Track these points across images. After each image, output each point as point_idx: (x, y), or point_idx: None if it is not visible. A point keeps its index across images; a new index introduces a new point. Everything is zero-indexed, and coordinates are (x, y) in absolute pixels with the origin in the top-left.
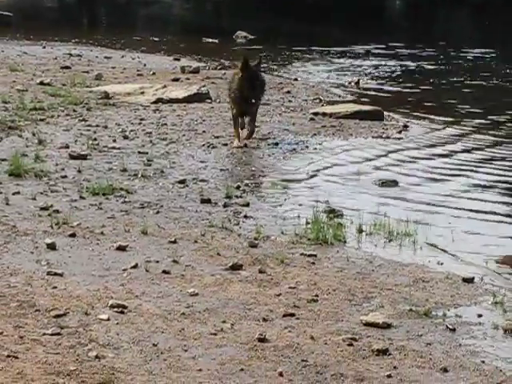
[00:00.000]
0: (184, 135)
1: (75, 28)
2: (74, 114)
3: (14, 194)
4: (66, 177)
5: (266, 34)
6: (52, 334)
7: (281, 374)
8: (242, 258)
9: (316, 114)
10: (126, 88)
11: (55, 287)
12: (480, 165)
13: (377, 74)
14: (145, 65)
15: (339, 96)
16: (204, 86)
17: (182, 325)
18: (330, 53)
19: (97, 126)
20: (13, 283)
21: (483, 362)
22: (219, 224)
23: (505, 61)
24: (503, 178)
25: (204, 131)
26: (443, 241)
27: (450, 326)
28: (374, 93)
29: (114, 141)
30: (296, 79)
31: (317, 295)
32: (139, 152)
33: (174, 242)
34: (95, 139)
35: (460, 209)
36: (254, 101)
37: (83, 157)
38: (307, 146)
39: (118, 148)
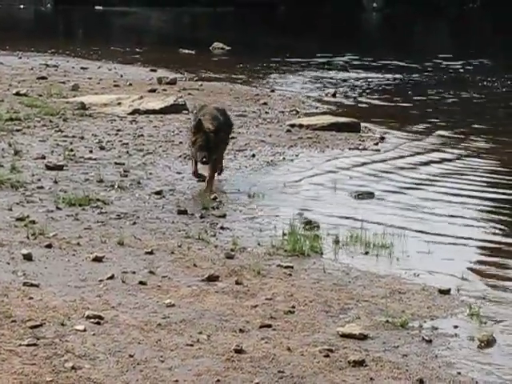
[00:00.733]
0: (161, 146)
1: (51, 38)
2: (50, 124)
3: None
4: (42, 187)
5: (243, 45)
6: (28, 345)
7: None
8: (218, 269)
9: (293, 125)
10: (102, 99)
11: (31, 298)
12: (456, 175)
13: (354, 85)
14: (121, 76)
15: (316, 108)
16: (181, 97)
17: (158, 336)
18: (307, 64)
19: (73, 136)
20: None
21: (459, 373)
22: (196, 235)
23: (479, 72)
24: (479, 188)
25: (181, 142)
26: (419, 252)
27: (427, 338)
28: (350, 104)
29: (91, 151)
30: (273, 91)
31: (293, 306)
32: (116, 163)
33: (151, 252)
34: (72, 150)
35: (436, 220)
36: (210, 159)
37: (59, 167)
38: (284, 158)
39: (95, 159)
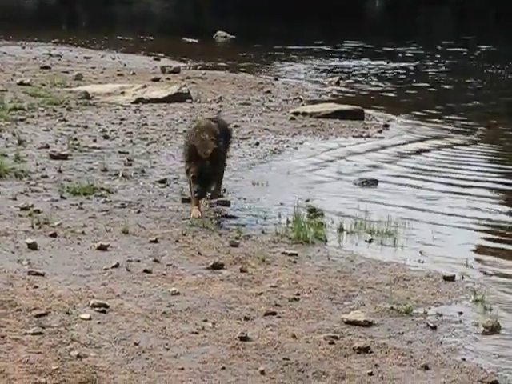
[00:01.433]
0: (165, 135)
1: (55, 28)
2: (54, 114)
3: None
4: (46, 177)
5: (247, 34)
6: (34, 334)
7: (262, 373)
8: (223, 257)
9: (296, 113)
10: (106, 88)
11: (36, 287)
12: (461, 163)
13: (357, 73)
14: (125, 65)
15: (319, 95)
16: (184, 86)
17: (163, 324)
18: (311, 53)
19: (77, 126)
20: None
21: (464, 359)
22: (200, 223)
23: (484, 59)
24: (484, 175)
25: (185, 131)
26: (424, 239)
27: (431, 324)
28: (354, 92)
29: (95, 141)
30: (276, 79)
31: (298, 294)
32: (120, 152)
33: (155, 241)
34: (75, 139)
35: (440, 207)
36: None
37: (64, 157)
38: (288, 146)
39: (99, 148)
